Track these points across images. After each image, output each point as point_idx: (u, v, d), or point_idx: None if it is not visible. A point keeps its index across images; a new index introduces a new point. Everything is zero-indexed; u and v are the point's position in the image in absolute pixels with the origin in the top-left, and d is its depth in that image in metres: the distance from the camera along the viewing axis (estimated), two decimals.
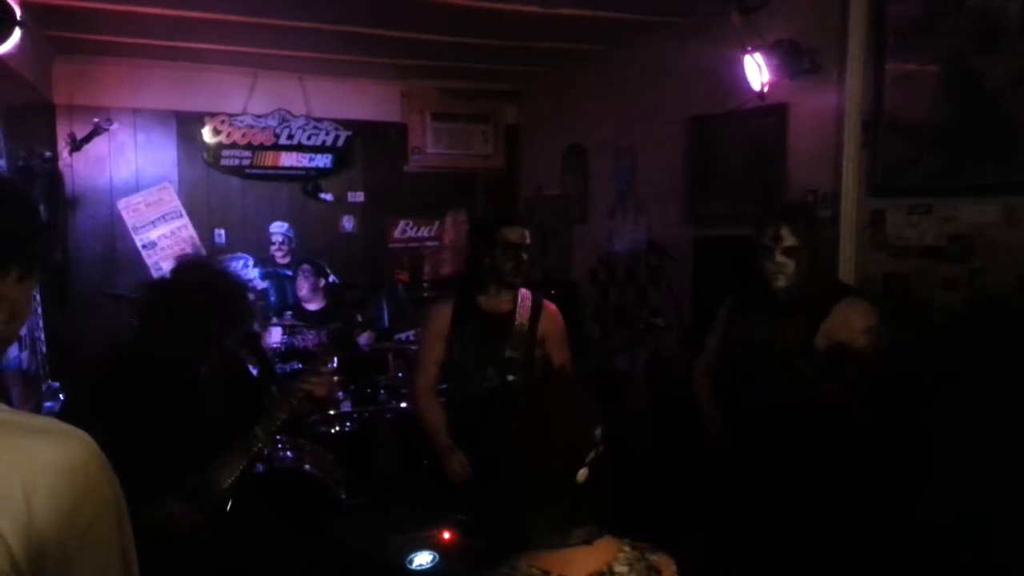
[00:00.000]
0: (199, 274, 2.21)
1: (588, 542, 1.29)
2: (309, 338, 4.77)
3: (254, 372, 2.63)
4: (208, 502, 1.87)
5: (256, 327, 4.92)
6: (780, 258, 2.54)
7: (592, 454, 1.30)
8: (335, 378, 2.30)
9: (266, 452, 2.04)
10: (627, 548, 1.33)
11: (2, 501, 0.91)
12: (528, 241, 2.93)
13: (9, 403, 3.18)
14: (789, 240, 2.53)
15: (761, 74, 3.80)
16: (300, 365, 4.35)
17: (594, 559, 1.28)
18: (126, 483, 1.02)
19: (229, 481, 1.88)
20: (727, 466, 2.68)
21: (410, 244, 6.41)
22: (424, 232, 6.46)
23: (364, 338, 4.97)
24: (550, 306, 3.06)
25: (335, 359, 2.62)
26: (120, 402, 1.94)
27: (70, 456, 0.96)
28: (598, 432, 1.32)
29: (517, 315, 2.94)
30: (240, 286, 2.29)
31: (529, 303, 2.99)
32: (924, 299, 3.14)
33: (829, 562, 2.39)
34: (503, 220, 2.98)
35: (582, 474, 1.27)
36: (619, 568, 1.29)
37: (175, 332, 2.05)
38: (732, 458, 2.68)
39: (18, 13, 3.05)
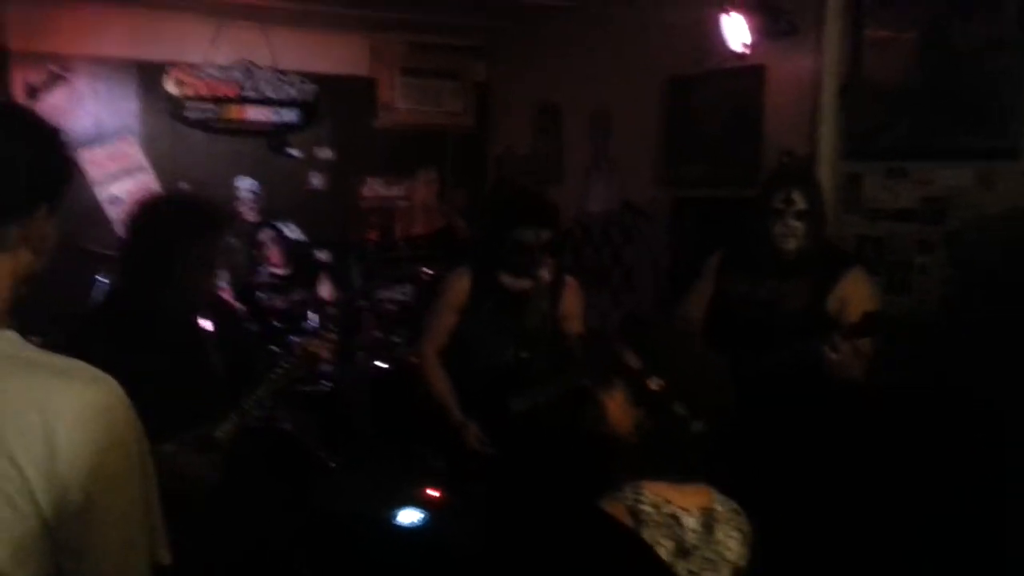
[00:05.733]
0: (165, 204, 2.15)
1: (698, 481, 1.47)
2: (278, 300, 4.68)
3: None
4: (212, 458, 1.86)
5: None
6: (792, 222, 2.58)
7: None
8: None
9: (257, 414, 2.01)
10: (716, 491, 1.50)
11: (25, 444, 0.91)
12: (547, 239, 2.75)
13: None
14: (801, 204, 2.58)
15: (739, 35, 3.80)
16: (278, 324, 4.29)
17: (701, 497, 1.45)
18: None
19: (227, 440, 1.86)
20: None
21: (380, 203, 6.32)
22: (395, 191, 6.37)
23: (326, 289, 4.91)
24: (572, 281, 2.97)
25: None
26: (116, 358, 1.89)
27: (95, 401, 0.95)
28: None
29: (537, 290, 2.84)
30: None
31: (550, 277, 2.87)
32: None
33: (841, 542, 2.43)
34: (516, 219, 2.80)
35: (696, 425, 1.43)
36: (718, 507, 1.47)
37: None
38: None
39: None
